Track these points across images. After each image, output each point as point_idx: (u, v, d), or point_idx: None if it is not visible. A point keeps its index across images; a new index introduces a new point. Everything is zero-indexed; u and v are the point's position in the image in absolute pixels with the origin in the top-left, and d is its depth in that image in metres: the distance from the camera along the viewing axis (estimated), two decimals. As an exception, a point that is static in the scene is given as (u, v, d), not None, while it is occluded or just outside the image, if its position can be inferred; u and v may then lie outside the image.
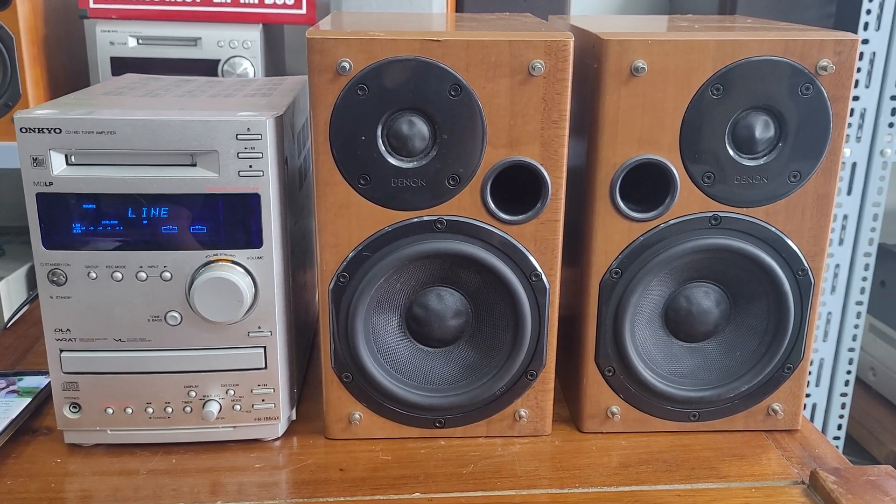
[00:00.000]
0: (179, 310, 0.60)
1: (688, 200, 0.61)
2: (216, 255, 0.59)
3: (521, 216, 0.60)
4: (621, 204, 0.61)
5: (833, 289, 1.34)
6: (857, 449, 1.43)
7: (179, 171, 0.57)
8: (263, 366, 0.62)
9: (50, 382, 0.66)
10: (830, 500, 0.57)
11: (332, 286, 0.61)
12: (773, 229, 0.62)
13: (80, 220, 0.58)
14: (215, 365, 0.62)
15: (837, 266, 1.33)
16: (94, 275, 0.59)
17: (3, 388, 0.70)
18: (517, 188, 0.61)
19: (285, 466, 0.62)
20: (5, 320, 0.92)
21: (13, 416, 0.66)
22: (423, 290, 0.63)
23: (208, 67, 1.08)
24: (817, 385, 1.39)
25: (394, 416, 0.65)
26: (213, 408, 0.62)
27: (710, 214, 0.62)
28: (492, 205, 0.60)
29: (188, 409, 0.62)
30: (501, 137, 0.58)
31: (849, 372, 1.39)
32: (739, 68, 0.58)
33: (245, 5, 1.09)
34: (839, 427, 1.41)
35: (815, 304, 0.65)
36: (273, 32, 1.18)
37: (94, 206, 0.57)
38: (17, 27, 1.01)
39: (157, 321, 0.60)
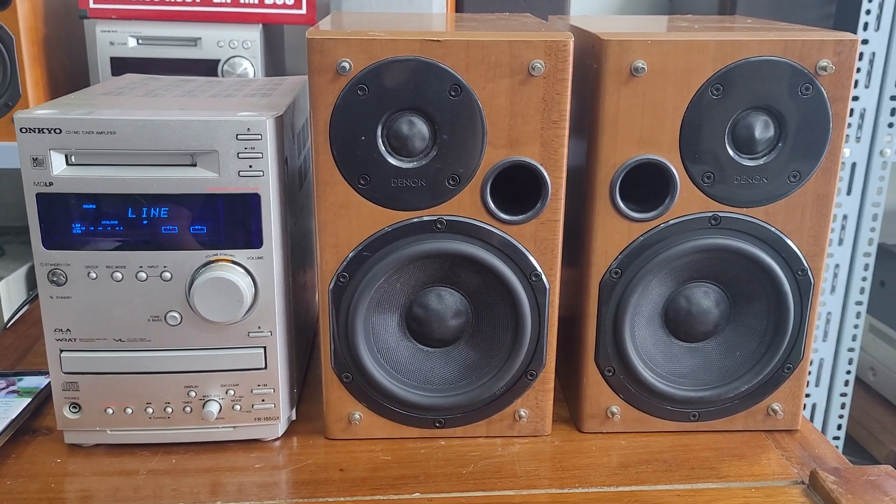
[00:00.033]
0: (179, 310, 0.60)
1: (688, 200, 0.61)
2: (216, 255, 0.59)
3: (521, 216, 0.60)
4: (621, 204, 0.61)
5: (833, 289, 1.34)
6: (857, 449, 1.43)
7: (179, 171, 0.57)
8: (263, 366, 0.62)
9: (50, 382, 0.66)
10: (830, 500, 0.57)
11: (332, 286, 0.61)
12: (773, 229, 0.62)
13: (80, 220, 0.58)
14: (215, 365, 0.62)
15: (837, 266, 1.33)
16: (94, 275, 0.59)
17: (3, 388, 0.70)
18: (517, 188, 0.61)
19: (285, 466, 0.62)
20: (5, 320, 0.92)
21: (13, 416, 0.66)
22: (423, 290, 0.63)
23: (208, 67, 1.08)
24: (817, 385, 1.39)
25: (394, 416, 0.65)
26: (213, 408, 0.62)
27: (710, 214, 0.62)
28: (492, 205, 0.60)
29: (188, 409, 0.62)
30: (501, 137, 0.58)
31: (848, 372, 1.39)
32: (739, 68, 0.58)
33: (245, 5, 1.09)
34: (839, 427, 1.41)
35: (815, 304, 0.65)
36: (273, 32, 1.18)
37: (94, 207, 0.57)
38: (16, 27, 1.01)
39: (157, 321, 0.60)
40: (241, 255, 0.59)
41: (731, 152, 0.60)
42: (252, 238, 0.59)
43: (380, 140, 0.58)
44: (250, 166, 0.57)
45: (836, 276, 1.34)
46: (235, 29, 1.08)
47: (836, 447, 0.68)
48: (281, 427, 0.65)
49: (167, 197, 0.58)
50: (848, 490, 0.57)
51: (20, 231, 1.19)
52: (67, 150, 0.56)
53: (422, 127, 0.58)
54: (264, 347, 0.62)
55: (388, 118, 0.58)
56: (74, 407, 0.62)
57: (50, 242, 0.58)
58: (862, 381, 1.52)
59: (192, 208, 0.58)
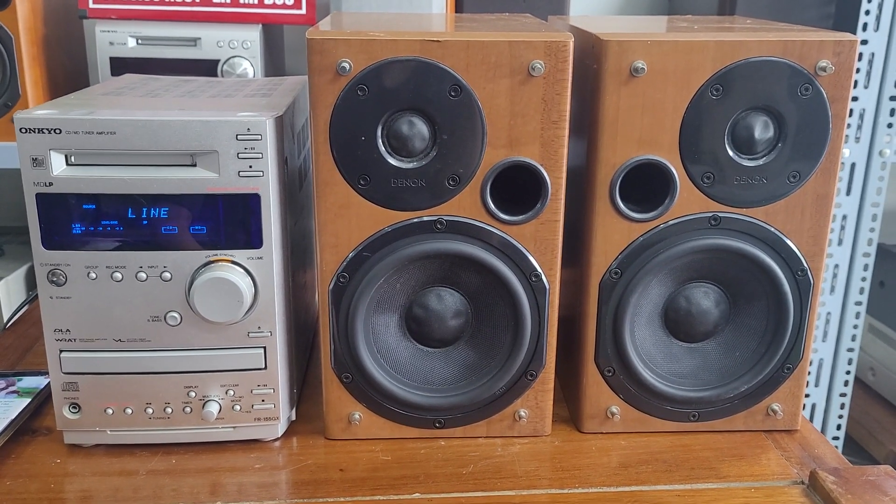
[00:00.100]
0: (179, 310, 0.60)
1: (687, 201, 0.61)
2: (216, 255, 0.59)
3: (520, 216, 0.60)
4: (621, 204, 0.61)
5: (832, 289, 1.35)
6: (857, 449, 1.44)
7: (179, 172, 0.57)
8: (263, 366, 0.62)
9: (49, 383, 0.66)
10: (830, 500, 0.57)
11: (332, 286, 0.61)
12: (773, 229, 0.63)
13: (80, 220, 0.58)
14: (215, 365, 0.62)
15: (837, 266, 1.34)
16: (93, 275, 0.59)
17: (3, 389, 0.70)
18: (517, 188, 0.61)
19: (285, 467, 0.62)
20: (5, 320, 0.92)
21: (13, 417, 0.66)
22: (422, 291, 0.63)
23: (208, 68, 1.08)
24: (817, 385, 1.39)
25: (394, 416, 0.65)
26: (213, 408, 0.62)
27: (710, 215, 0.62)
28: (492, 205, 0.60)
29: (188, 409, 0.62)
30: (501, 138, 0.58)
31: (848, 372, 1.39)
32: (739, 69, 0.58)
33: (244, 5, 1.09)
34: (838, 427, 1.41)
35: (815, 304, 0.65)
36: (273, 33, 1.18)
37: (94, 207, 0.57)
38: (16, 27, 1.01)
39: (156, 321, 0.60)
40: (241, 255, 0.59)
41: (730, 152, 0.60)
42: (252, 238, 0.59)
43: (380, 140, 0.58)
44: (250, 166, 0.57)
45: (835, 276, 1.34)
46: (235, 29, 1.08)
47: (836, 447, 0.68)
48: (281, 427, 0.65)
49: (167, 197, 0.58)
50: (847, 490, 0.58)
51: (20, 231, 1.19)
52: (67, 150, 0.56)
53: (422, 127, 0.58)
54: (264, 347, 0.62)
55: (388, 118, 0.58)
56: (74, 407, 0.62)
57: (50, 242, 0.58)
58: (861, 381, 1.52)
59: (191, 208, 0.58)
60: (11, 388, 0.70)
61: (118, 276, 0.59)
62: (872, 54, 1.24)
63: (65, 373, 0.61)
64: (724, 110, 0.59)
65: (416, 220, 0.60)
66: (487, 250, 0.61)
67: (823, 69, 0.58)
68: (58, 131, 0.56)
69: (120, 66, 1.06)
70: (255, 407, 0.63)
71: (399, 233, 0.60)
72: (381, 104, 0.57)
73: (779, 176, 0.61)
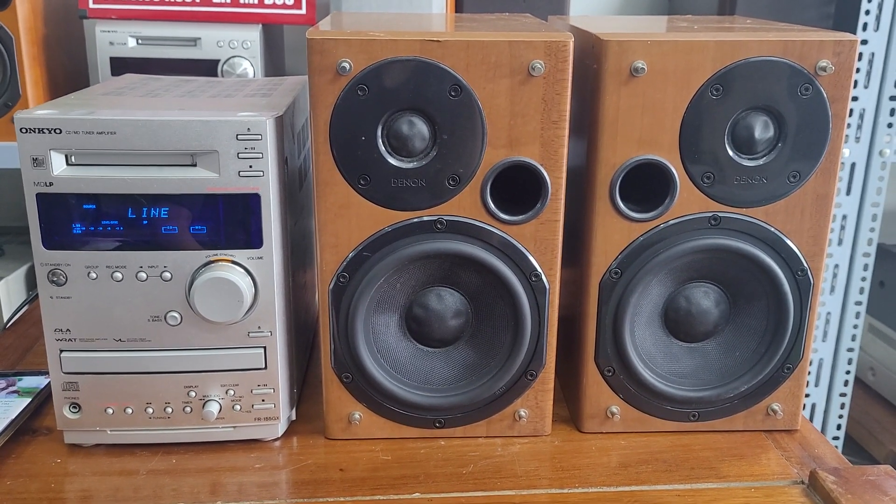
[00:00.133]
0: (179, 310, 0.60)
1: (687, 201, 0.61)
2: (216, 255, 0.59)
3: (520, 216, 0.60)
4: (621, 204, 0.61)
5: (832, 289, 1.35)
6: (857, 449, 1.44)
7: (179, 172, 0.58)
8: (263, 366, 0.62)
9: (50, 382, 0.66)
10: (830, 499, 0.57)
11: (332, 286, 0.61)
12: (773, 229, 0.63)
13: (80, 220, 0.58)
14: (215, 365, 0.62)
15: (837, 266, 1.34)
16: (94, 275, 0.59)
17: (3, 389, 0.70)
18: (517, 188, 0.61)
19: (285, 466, 0.62)
20: (5, 320, 0.92)
21: (13, 416, 0.66)
22: (423, 291, 0.63)
23: (208, 68, 1.08)
24: (817, 385, 1.39)
25: (394, 416, 0.65)
26: (213, 408, 0.62)
27: (710, 214, 0.62)
28: (492, 205, 0.60)
29: (188, 409, 0.62)
30: (501, 138, 0.58)
31: (848, 372, 1.39)
32: (739, 69, 0.58)
33: (244, 5, 1.09)
34: (838, 427, 1.41)
35: (815, 304, 0.65)
36: (272, 33, 1.18)
37: (95, 207, 0.57)
38: (16, 27, 1.01)
39: (157, 321, 0.60)
40: (241, 255, 0.59)
41: (730, 152, 0.60)
42: (252, 238, 0.59)
43: (380, 140, 0.58)
44: (250, 166, 0.57)
45: (835, 276, 1.34)
46: (235, 29, 1.08)
47: (836, 447, 0.68)
48: (281, 427, 0.65)
49: (167, 197, 0.58)
50: (847, 490, 0.58)
51: (20, 231, 1.19)
52: (67, 150, 0.57)
53: (422, 127, 0.58)
54: (264, 347, 0.62)
55: (388, 118, 0.58)
56: (74, 407, 0.62)
57: (50, 242, 0.58)
58: (861, 381, 1.52)
59: (192, 208, 0.58)
60: (12, 388, 0.70)
61: (118, 275, 0.59)
62: (872, 54, 1.24)
63: (65, 373, 0.61)
64: (724, 110, 0.59)
65: (416, 219, 0.60)
66: (487, 250, 0.61)
67: (823, 69, 0.58)
68: (58, 131, 0.56)
69: (120, 66, 1.06)
70: (255, 407, 0.63)
71: (399, 233, 0.60)
72: (381, 104, 0.57)
73: (779, 176, 0.61)
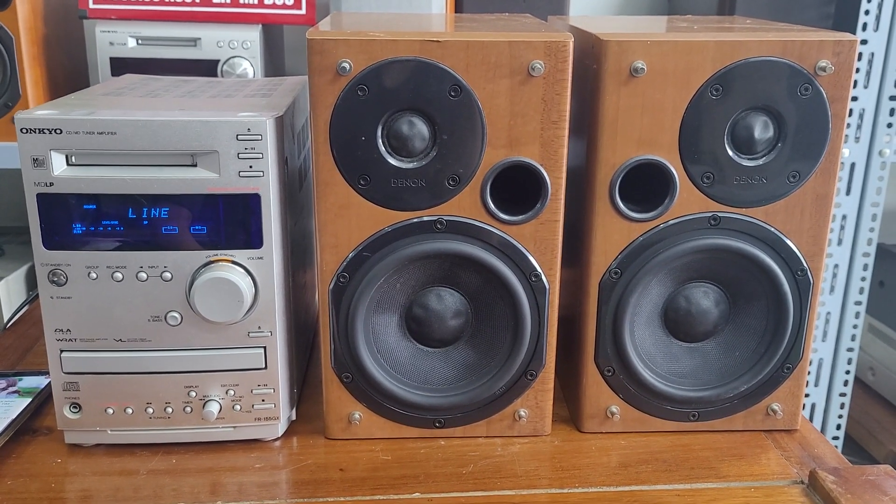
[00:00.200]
0: (179, 310, 0.60)
1: (687, 201, 0.62)
2: (216, 255, 0.59)
3: (520, 216, 0.60)
4: (621, 204, 0.61)
5: (832, 289, 1.35)
6: (856, 449, 1.44)
7: (180, 172, 0.58)
8: (263, 366, 0.62)
9: (50, 382, 0.66)
10: (830, 499, 0.57)
11: (332, 286, 0.61)
12: (773, 229, 0.63)
13: (80, 220, 0.58)
14: (215, 365, 0.62)
15: (836, 266, 1.34)
16: (94, 275, 0.59)
17: (4, 389, 0.70)
18: (517, 188, 0.61)
19: (285, 466, 0.62)
20: (5, 320, 0.92)
21: (13, 416, 0.66)
22: (422, 291, 0.64)
23: (208, 68, 1.08)
24: (816, 385, 1.39)
25: (394, 416, 0.65)
26: (213, 408, 0.62)
27: (710, 214, 0.62)
28: (491, 205, 0.60)
29: (188, 409, 0.63)
30: (501, 138, 0.58)
31: (848, 372, 1.39)
32: (738, 69, 0.58)
33: (244, 6, 1.09)
34: (838, 427, 1.42)
35: (815, 303, 0.65)
36: (272, 33, 1.18)
37: (95, 207, 0.57)
38: (16, 27, 1.01)
39: (157, 321, 0.60)
40: (241, 255, 0.59)
41: (730, 152, 0.60)
42: (252, 238, 0.59)
43: (380, 140, 0.58)
44: (250, 167, 0.57)
45: (835, 276, 1.34)
46: (235, 29, 1.08)
47: (836, 447, 0.68)
48: (281, 427, 0.65)
49: (167, 197, 0.58)
50: (847, 490, 0.58)
51: (20, 231, 1.19)
52: (68, 150, 0.57)
53: (422, 127, 0.58)
54: (264, 347, 0.62)
55: (388, 118, 0.58)
56: (75, 407, 0.62)
57: (50, 242, 0.58)
58: (861, 380, 1.52)
59: (192, 208, 0.58)
60: (12, 388, 0.70)
61: (119, 276, 0.59)
62: (872, 54, 1.24)
63: (65, 373, 0.61)
64: (723, 110, 0.59)
65: (416, 220, 0.60)
66: (487, 250, 0.61)
67: (823, 69, 0.58)
68: (58, 131, 0.56)
69: (120, 66, 1.06)
70: (255, 407, 0.63)
71: (399, 233, 0.60)
72: (381, 104, 0.57)
73: (778, 176, 0.61)
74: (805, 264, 0.63)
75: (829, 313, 1.36)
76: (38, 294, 0.60)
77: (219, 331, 0.61)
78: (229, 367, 0.62)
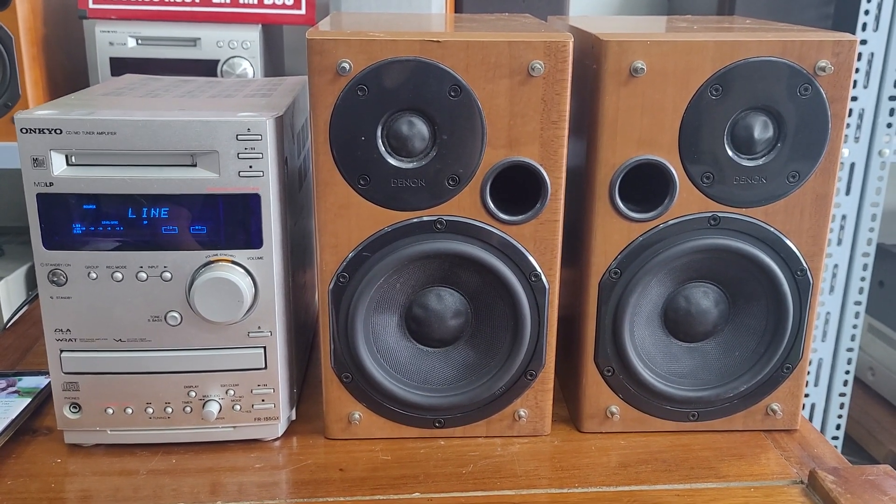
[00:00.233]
0: (179, 310, 0.60)
1: (687, 201, 0.62)
2: (216, 255, 0.59)
3: (520, 216, 0.60)
4: (620, 204, 0.61)
5: (832, 289, 1.35)
6: (856, 449, 1.44)
7: (179, 172, 0.58)
8: (263, 366, 0.62)
9: (50, 382, 0.66)
10: (829, 499, 0.57)
11: (331, 286, 0.61)
12: (772, 229, 0.63)
13: (80, 220, 0.58)
14: (215, 365, 0.62)
15: (836, 266, 1.34)
16: (94, 275, 0.59)
17: (4, 389, 0.70)
18: (517, 188, 0.61)
19: (285, 466, 0.62)
20: (5, 320, 0.92)
21: (13, 417, 0.66)
22: (422, 291, 0.64)
23: (207, 68, 1.08)
24: (816, 385, 1.39)
25: (393, 416, 0.65)
26: (213, 408, 0.62)
27: (709, 215, 0.62)
28: (491, 205, 0.60)
29: (188, 409, 0.63)
30: (501, 138, 0.58)
31: (847, 372, 1.39)
32: (738, 69, 0.58)
33: (244, 6, 1.09)
34: (838, 427, 1.42)
35: (814, 304, 0.65)
36: (272, 33, 1.18)
37: (95, 207, 0.58)
38: (16, 27, 1.01)
39: (157, 321, 0.60)
40: (241, 255, 0.59)
41: (730, 153, 0.61)
42: (252, 238, 0.59)
43: (380, 140, 0.58)
44: (250, 167, 0.57)
45: (835, 276, 1.34)
46: (235, 29, 1.08)
47: (835, 447, 0.68)
48: (281, 427, 0.65)
49: (167, 197, 0.58)
50: (847, 490, 0.58)
51: (20, 231, 1.19)
52: (68, 150, 0.57)
53: (421, 127, 0.58)
54: (264, 347, 0.62)
55: (387, 118, 0.58)
56: (74, 407, 0.62)
57: (50, 243, 0.58)
58: (861, 380, 1.52)
59: (192, 208, 0.58)
60: (12, 388, 0.70)
61: (118, 276, 0.59)
62: (872, 54, 1.24)
63: (65, 373, 0.61)
64: (723, 110, 0.59)
65: (415, 220, 0.60)
66: (487, 250, 0.61)
67: (823, 69, 0.59)
68: (58, 131, 0.56)
69: (120, 66, 1.06)
70: (255, 407, 0.63)
71: (399, 233, 0.60)
72: (380, 104, 0.57)
73: (778, 176, 0.61)
74: (805, 264, 0.63)
75: (828, 313, 1.36)
76: (37, 294, 0.60)
77: (219, 331, 0.61)
78: (229, 367, 0.62)
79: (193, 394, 0.62)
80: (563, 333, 0.65)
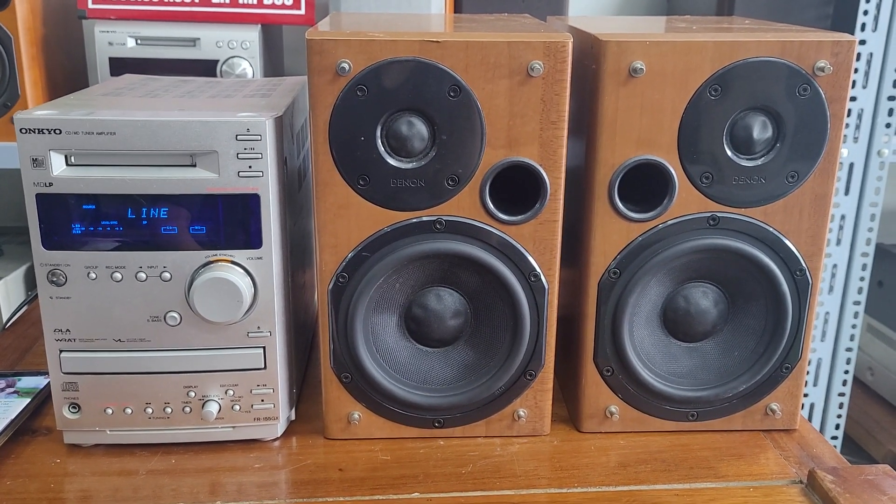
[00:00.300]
0: (179, 310, 0.60)
1: (686, 201, 0.62)
2: (216, 255, 0.59)
3: (519, 216, 0.60)
4: (620, 204, 0.61)
5: (831, 289, 1.35)
6: (855, 448, 1.44)
7: (179, 172, 0.58)
8: (263, 366, 0.62)
9: (49, 382, 0.66)
10: (828, 499, 0.57)
11: (331, 286, 0.61)
12: (771, 229, 0.63)
13: (79, 220, 0.58)
14: (215, 365, 0.62)
15: (835, 266, 1.34)
16: (93, 275, 0.59)
17: (3, 389, 0.70)
18: (516, 189, 0.61)
19: (284, 466, 0.62)
20: (4, 321, 0.92)
21: (13, 417, 0.66)
22: (422, 291, 0.64)
23: (207, 68, 1.08)
24: (815, 385, 1.39)
25: (393, 416, 0.65)
26: (213, 408, 0.62)
27: (709, 215, 0.62)
28: (491, 205, 0.60)
29: (187, 409, 0.63)
30: (500, 138, 0.58)
31: (846, 372, 1.39)
32: (737, 69, 0.58)
33: (243, 6, 1.09)
34: (837, 427, 1.42)
35: (813, 303, 0.65)
36: (272, 33, 1.18)
37: (94, 207, 0.58)
38: (15, 27, 1.01)
39: (156, 321, 0.60)
40: (240, 255, 0.59)
41: (729, 153, 0.61)
42: (251, 238, 0.59)
43: (379, 140, 0.58)
44: (250, 167, 0.57)
45: (834, 276, 1.34)
46: (234, 29, 1.08)
47: (835, 447, 0.68)
48: (280, 427, 0.65)
49: (167, 197, 0.58)
50: (846, 489, 0.58)
51: (19, 231, 1.19)
52: (67, 150, 0.57)
53: (421, 127, 0.58)
54: (264, 347, 0.62)
55: (387, 119, 0.58)
56: (74, 407, 0.62)
57: (50, 243, 0.58)
58: (860, 380, 1.52)
59: (191, 209, 0.58)
60: (11, 389, 0.70)
61: (118, 276, 0.59)
62: (871, 54, 1.24)
63: (65, 373, 0.61)
64: (722, 110, 0.59)
65: (415, 220, 0.60)
66: (486, 250, 0.61)
67: (822, 69, 0.59)
68: (58, 132, 0.56)
69: (119, 66, 1.06)
70: (254, 407, 0.63)
71: (398, 233, 0.60)
72: (380, 104, 0.57)
73: (777, 176, 0.61)
74: (804, 264, 0.64)
75: (827, 313, 1.36)
76: (37, 294, 0.60)
77: (218, 331, 0.61)
78: (228, 368, 0.62)
79: (193, 394, 0.62)
80: (562, 333, 0.65)
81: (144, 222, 0.58)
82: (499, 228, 0.61)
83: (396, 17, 0.78)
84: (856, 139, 1.28)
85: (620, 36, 0.58)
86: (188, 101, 0.65)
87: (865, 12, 1.22)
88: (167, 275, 0.59)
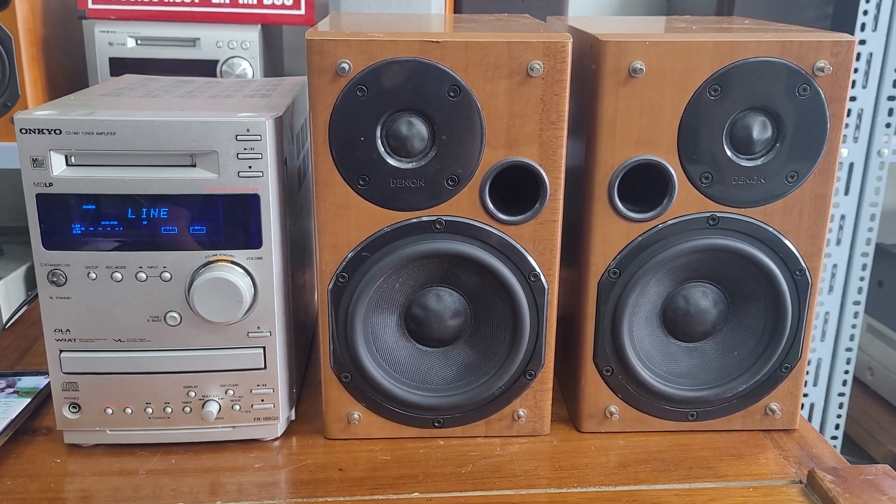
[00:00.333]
0: (179, 310, 0.60)
1: (686, 201, 0.62)
2: (216, 255, 0.59)
3: (519, 217, 0.61)
4: (619, 204, 0.61)
5: (831, 289, 1.35)
6: (855, 448, 1.44)
7: (179, 172, 0.58)
8: (263, 366, 0.62)
9: (49, 382, 0.66)
10: (828, 499, 0.57)
11: (331, 286, 0.61)
12: (771, 229, 0.63)
13: (79, 220, 0.58)
14: (215, 365, 0.62)
15: (835, 266, 1.34)
16: (93, 275, 0.59)
17: (3, 389, 0.70)
18: (516, 189, 0.61)
19: (284, 466, 0.62)
20: (4, 321, 0.92)
21: (13, 417, 0.66)
22: (421, 291, 0.64)
23: (207, 68, 1.08)
24: (815, 385, 1.39)
25: (393, 416, 0.65)
26: (213, 408, 0.62)
27: (708, 215, 0.62)
28: (490, 205, 0.60)
29: (187, 409, 0.63)
30: (500, 138, 0.59)
31: (846, 372, 1.39)
32: (737, 69, 0.58)
33: (243, 6, 1.09)
34: (837, 427, 1.42)
35: (813, 303, 0.65)
36: (271, 33, 1.18)
37: (94, 207, 0.58)
38: (15, 28, 1.02)
39: (156, 321, 0.60)
40: (240, 255, 0.59)
41: (728, 153, 0.61)
42: (251, 238, 0.59)
43: (379, 141, 0.58)
44: (250, 167, 0.57)
45: (833, 275, 1.34)
46: (234, 29, 1.08)
47: (834, 447, 0.68)
48: (280, 427, 0.65)
49: (167, 197, 0.58)
50: (846, 489, 0.58)
51: (19, 231, 1.19)
52: (67, 150, 0.57)
53: (421, 127, 0.58)
54: (263, 347, 0.62)
55: (387, 119, 0.58)
56: (74, 407, 0.62)
57: (50, 243, 0.58)
58: (860, 380, 1.52)
59: (191, 209, 0.58)
60: (11, 389, 0.70)
61: (118, 276, 0.59)
62: (871, 54, 1.24)
63: (65, 373, 0.61)
64: (722, 111, 0.59)
65: (415, 220, 0.60)
66: (486, 250, 0.61)
67: (821, 69, 0.59)
68: (58, 132, 0.56)
69: (119, 66, 1.06)
70: (254, 407, 0.63)
71: (398, 233, 0.60)
72: (380, 105, 0.57)
73: (777, 176, 0.61)
74: (803, 264, 0.64)
75: (827, 313, 1.36)
76: (37, 294, 0.60)
77: (218, 331, 0.61)
78: (228, 368, 0.62)
79: (193, 394, 0.62)
80: (562, 333, 0.65)
81: (144, 222, 0.58)
82: (498, 228, 0.61)
83: (396, 18, 0.78)
84: (856, 139, 1.28)
85: (620, 36, 0.58)
86: (188, 101, 0.65)
87: (865, 12, 1.22)
88: (167, 275, 0.59)
